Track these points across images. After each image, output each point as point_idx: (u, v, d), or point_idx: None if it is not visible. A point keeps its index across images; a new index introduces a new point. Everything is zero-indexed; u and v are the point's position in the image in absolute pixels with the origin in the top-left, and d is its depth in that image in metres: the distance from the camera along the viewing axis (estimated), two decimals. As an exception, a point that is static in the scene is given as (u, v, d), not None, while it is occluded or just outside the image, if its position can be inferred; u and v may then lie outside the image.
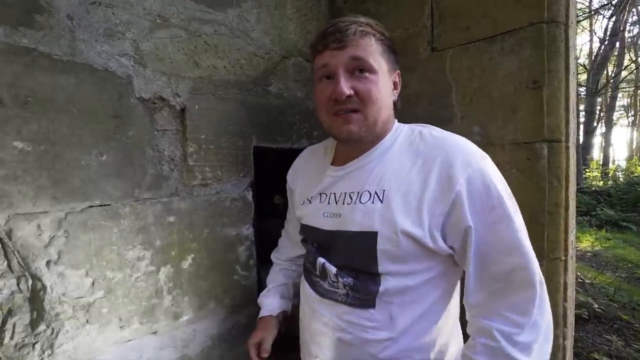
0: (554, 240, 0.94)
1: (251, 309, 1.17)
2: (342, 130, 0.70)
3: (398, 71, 0.77)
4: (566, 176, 0.94)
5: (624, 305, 2.85)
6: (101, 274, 0.85)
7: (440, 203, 0.63)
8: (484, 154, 0.68)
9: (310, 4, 1.37)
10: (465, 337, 0.72)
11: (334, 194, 0.75)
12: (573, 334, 1.06)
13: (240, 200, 1.13)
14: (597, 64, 9.76)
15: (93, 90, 0.84)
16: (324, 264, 0.75)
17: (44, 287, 0.77)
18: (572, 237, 1.00)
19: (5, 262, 0.73)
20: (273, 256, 1.10)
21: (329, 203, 0.75)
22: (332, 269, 0.73)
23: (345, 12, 1.44)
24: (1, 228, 0.72)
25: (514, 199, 0.66)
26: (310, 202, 0.81)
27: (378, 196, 0.68)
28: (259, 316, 0.98)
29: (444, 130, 0.72)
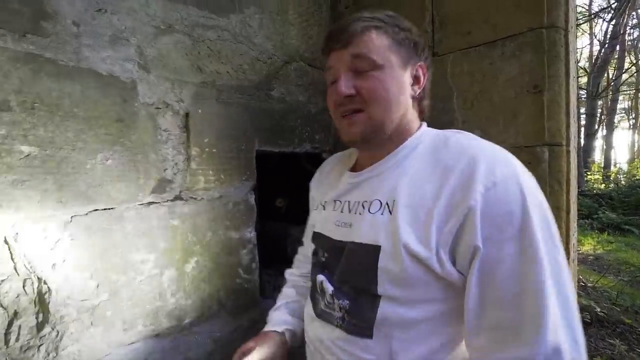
0: (555, 244, 0.94)
1: (253, 313, 1.18)
2: (346, 133, 0.65)
3: (421, 63, 0.66)
4: (567, 180, 0.95)
5: (626, 309, 2.84)
6: (105, 276, 0.86)
7: (451, 219, 0.53)
8: (524, 170, 0.55)
9: (311, 9, 1.39)
10: None
11: (349, 202, 0.68)
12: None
13: (242, 204, 1.14)
14: (598, 67, 9.78)
15: (98, 95, 0.85)
16: (322, 282, 0.69)
17: (49, 290, 0.78)
18: (573, 240, 1.00)
19: (12, 265, 0.74)
20: (287, 272, 0.99)
21: (342, 211, 0.68)
22: (329, 288, 0.66)
23: (346, 17, 1.45)
24: (8, 231, 0.73)
25: (555, 237, 0.52)
26: (324, 209, 0.75)
27: (388, 207, 0.60)
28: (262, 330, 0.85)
29: (479, 138, 0.60)
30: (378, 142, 0.65)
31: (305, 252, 0.94)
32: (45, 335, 0.78)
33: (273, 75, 1.24)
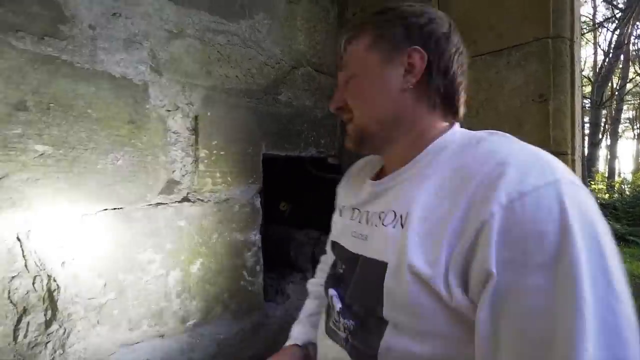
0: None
1: (256, 315, 1.18)
2: (346, 142, 0.64)
3: (415, 47, 0.55)
4: (572, 188, 0.95)
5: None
6: (113, 275, 0.87)
7: (464, 235, 0.43)
8: (575, 183, 0.42)
9: (319, 16, 1.41)
10: None
11: (368, 212, 0.61)
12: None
13: (248, 206, 1.15)
14: (602, 76, 9.79)
15: (111, 97, 0.87)
16: (332, 297, 0.64)
17: (58, 287, 0.79)
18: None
19: (23, 262, 0.75)
20: (310, 283, 0.93)
21: (359, 222, 0.62)
22: (337, 305, 0.61)
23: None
24: (20, 228, 0.74)
25: (613, 275, 0.37)
26: (340, 215, 0.70)
27: (401, 219, 0.53)
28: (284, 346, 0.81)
29: (523, 142, 0.49)
30: (377, 145, 0.61)
31: (327, 260, 0.87)
32: (52, 333, 0.79)
33: (281, 80, 1.26)
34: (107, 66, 0.85)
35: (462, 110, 0.60)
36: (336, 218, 0.73)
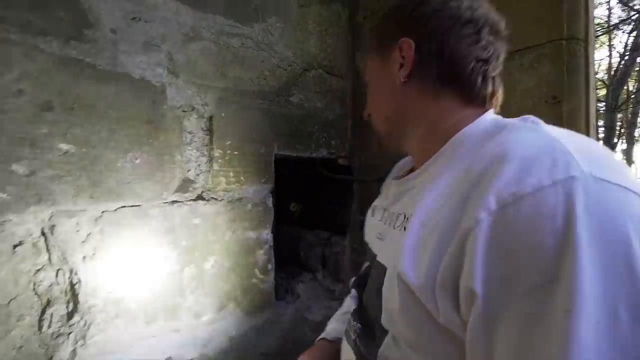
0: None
1: (268, 313, 1.20)
2: None
3: (404, 39, 0.50)
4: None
5: None
6: (131, 271, 0.90)
7: (450, 245, 0.36)
8: (613, 178, 0.31)
9: (330, 19, 1.43)
10: None
11: (390, 212, 0.57)
12: None
13: (261, 206, 1.17)
14: (617, 79, 9.58)
15: (130, 98, 0.90)
16: (352, 297, 0.62)
17: (79, 281, 0.82)
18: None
19: (47, 256, 0.78)
20: (352, 281, 0.86)
21: (384, 222, 0.58)
22: (353, 307, 0.60)
23: (365, 27, 1.49)
24: (45, 223, 0.77)
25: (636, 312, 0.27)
26: (372, 214, 0.66)
27: (405, 222, 0.48)
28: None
29: (546, 127, 0.39)
30: (394, 143, 0.58)
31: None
32: (74, 324, 0.82)
33: (292, 82, 1.28)
34: (127, 68, 0.88)
35: (488, 90, 0.48)
36: (368, 218, 0.70)
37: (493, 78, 0.49)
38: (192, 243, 1.02)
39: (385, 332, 0.47)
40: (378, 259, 0.52)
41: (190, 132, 1.02)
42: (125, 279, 0.89)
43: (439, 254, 0.37)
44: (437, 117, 0.50)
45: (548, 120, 0.44)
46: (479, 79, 0.47)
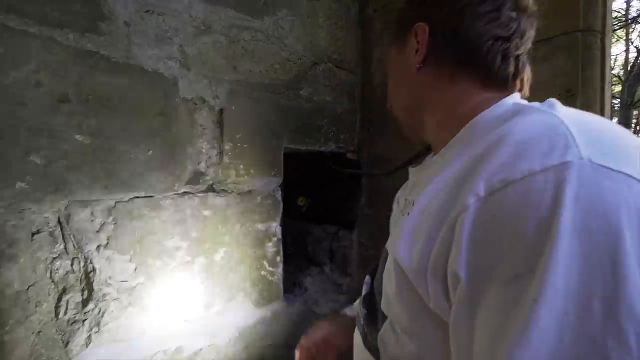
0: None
1: (276, 305, 1.21)
2: None
3: (418, 24, 0.48)
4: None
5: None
6: (143, 260, 0.92)
7: (441, 230, 0.36)
8: (621, 166, 0.29)
9: (340, 12, 1.42)
10: None
11: (405, 200, 0.55)
12: None
13: (270, 198, 1.18)
14: (634, 75, 9.32)
15: (143, 90, 0.91)
16: (364, 284, 0.62)
17: (94, 269, 0.84)
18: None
19: (63, 245, 0.80)
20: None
21: (400, 211, 0.57)
22: (363, 292, 0.60)
23: (375, 21, 1.48)
24: (61, 212, 0.79)
25: (618, 310, 0.25)
26: (396, 204, 0.64)
27: (412, 207, 0.48)
28: None
29: (560, 109, 0.36)
30: (414, 133, 0.57)
31: None
32: (89, 311, 0.84)
33: (302, 76, 1.28)
34: (140, 61, 0.90)
35: (510, 69, 0.45)
36: (393, 208, 0.68)
37: (517, 57, 0.45)
38: (203, 234, 1.03)
39: (385, 317, 0.47)
40: (386, 245, 0.52)
41: (201, 125, 1.03)
42: (137, 269, 0.91)
43: (431, 238, 0.37)
44: (454, 102, 0.47)
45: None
46: (498, 58, 0.44)
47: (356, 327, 0.60)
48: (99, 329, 0.85)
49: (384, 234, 0.59)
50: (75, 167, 0.81)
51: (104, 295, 0.86)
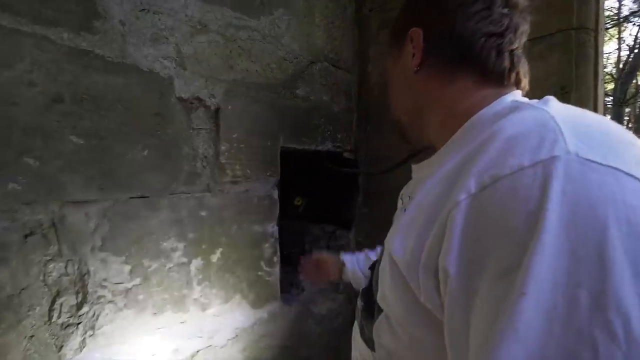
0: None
1: (273, 305, 1.21)
2: None
3: (412, 29, 0.50)
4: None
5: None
6: (139, 262, 0.91)
7: (434, 225, 0.37)
8: (608, 160, 0.29)
9: (337, 12, 1.42)
10: None
11: (408, 196, 0.57)
12: None
13: (266, 199, 1.17)
14: (626, 73, 9.44)
15: (138, 90, 0.90)
16: (364, 278, 0.66)
17: (88, 272, 0.83)
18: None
19: (57, 247, 0.79)
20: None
21: (402, 208, 0.60)
22: (363, 285, 0.62)
23: (371, 20, 1.48)
24: (55, 214, 0.78)
25: (605, 307, 0.25)
26: (401, 202, 0.65)
27: (407, 203, 0.51)
28: None
29: (552, 105, 0.37)
30: (416, 136, 0.57)
31: None
32: (83, 314, 0.83)
33: (299, 75, 1.27)
34: (135, 60, 0.89)
35: (505, 64, 0.45)
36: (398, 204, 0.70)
37: (511, 52, 0.46)
38: (199, 235, 1.02)
39: (381, 310, 0.48)
40: (385, 240, 0.52)
41: (197, 125, 1.02)
42: (133, 271, 0.90)
43: (424, 234, 0.37)
44: (452, 101, 0.48)
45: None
46: (493, 54, 0.45)
47: (355, 321, 0.62)
48: (93, 332, 0.84)
49: (381, 232, 0.59)
50: (69, 167, 0.80)
51: (99, 297, 0.85)
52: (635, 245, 0.26)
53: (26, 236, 0.75)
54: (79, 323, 0.83)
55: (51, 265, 0.80)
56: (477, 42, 0.45)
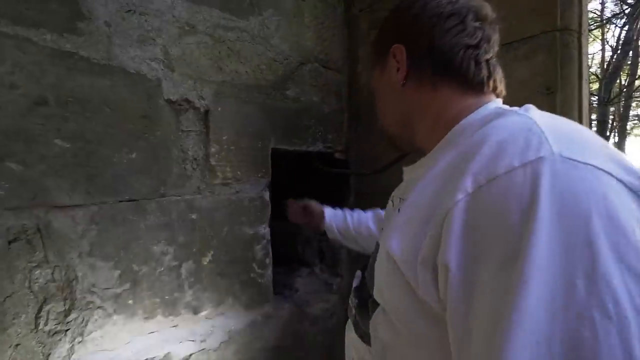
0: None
1: (266, 307, 1.20)
2: None
3: (395, 45, 0.54)
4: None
5: None
6: (128, 266, 0.90)
7: (431, 223, 0.39)
8: (589, 159, 0.32)
9: (326, 12, 1.42)
10: None
11: (398, 198, 0.60)
12: None
13: (258, 200, 1.17)
14: (610, 73, 9.67)
15: (125, 92, 0.89)
16: (356, 277, 0.66)
17: (76, 277, 0.81)
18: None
19: (43, 253, 0.77)
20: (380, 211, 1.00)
21: (393, 209, 0.61)
22: (354, 284, 0.63)
23: (361, 20, 1.48)
24: (40, 219, 0.76)
25: (601, 295, 0.28)
26: (391, 204, 0.67)
27: (400, 204, 0.53)
28: None
29: (533, 112, 0.41)
30: (406, 144, 0.61)
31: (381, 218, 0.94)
32: (71, 321, 0.81)
33: (289, 76, 1.27)
34: (122, 62, 0.87)
35: (483, 73, 0.49)
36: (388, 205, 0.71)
37: (487, 61, 0.51)
38: (190, 238, 1.01)
39: (376, 304, 0.50)
40: (378, 239, 0.55)
41: (186, 127, 1.01)
42: (122, 275, 0.88)
43: (422, 232, 0.40)
44: (439, 109, 0.52)
45: (542, 110, 0.45)
46: (472, 65, 0.49)
47: (349, 320, 0.63)
48: (82, 339, 0.82)
49: (373, 233, 0.61)
50: (54, 172, 0.78)
51: (88, 303, 0.83)
52: (614, 232, 0.29)
53: (10, 242, 0.74)
54: (67, 330, 0.81)
55: (37, 272, 0.78)
56: (457, 54, 0.49)
